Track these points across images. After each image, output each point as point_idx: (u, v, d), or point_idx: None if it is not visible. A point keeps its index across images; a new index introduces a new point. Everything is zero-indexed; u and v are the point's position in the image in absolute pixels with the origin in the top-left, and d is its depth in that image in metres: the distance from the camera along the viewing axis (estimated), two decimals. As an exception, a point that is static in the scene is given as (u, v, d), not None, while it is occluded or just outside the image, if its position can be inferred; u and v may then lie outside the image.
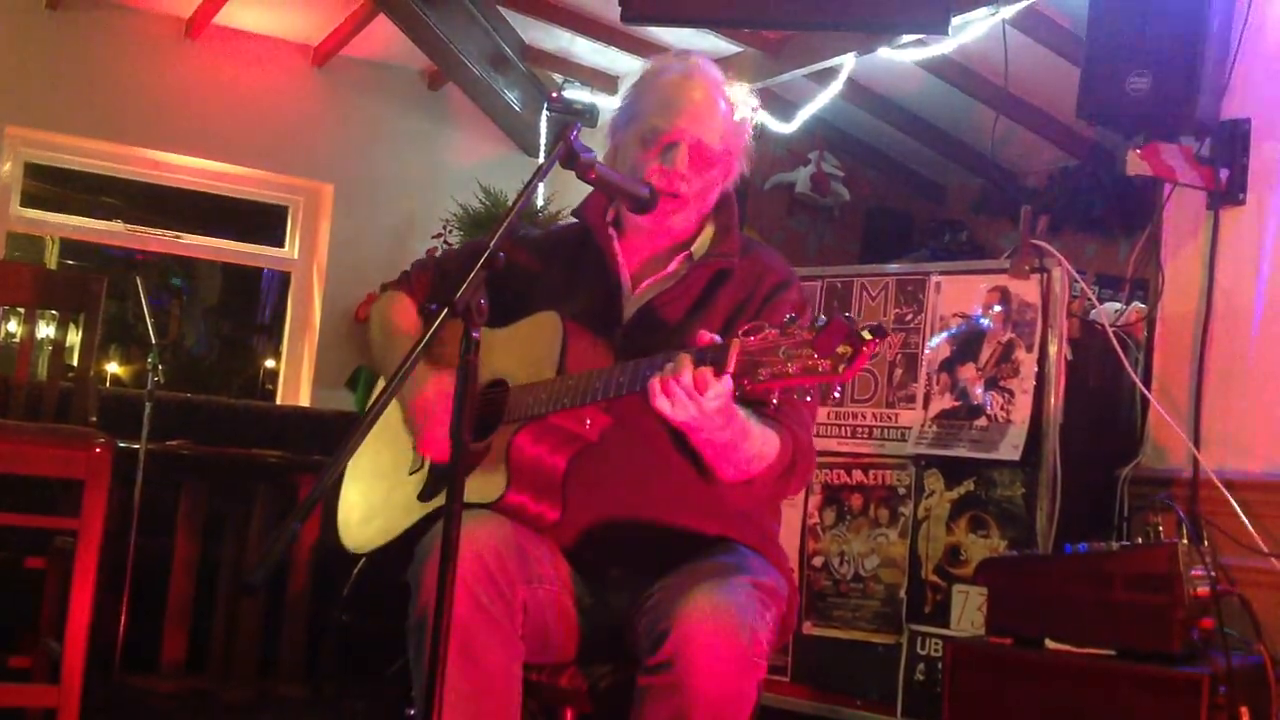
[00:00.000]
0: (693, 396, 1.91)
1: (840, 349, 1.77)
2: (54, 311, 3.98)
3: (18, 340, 4.08)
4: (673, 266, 2.38)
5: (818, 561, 3.79)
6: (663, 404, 1.94)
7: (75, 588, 3.19)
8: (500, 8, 5.90)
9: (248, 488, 4.45)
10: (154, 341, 4.24)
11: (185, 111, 5.98)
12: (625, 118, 2.41)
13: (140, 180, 6.45)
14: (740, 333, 1.88)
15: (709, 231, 2.41)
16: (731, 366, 1.87)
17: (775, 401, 1.92)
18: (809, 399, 1.88)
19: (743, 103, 2.42)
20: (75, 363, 3.89)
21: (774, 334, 1.84)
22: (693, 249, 2.39)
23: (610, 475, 2.23)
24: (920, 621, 3.57)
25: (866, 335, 1.76)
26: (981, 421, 3.54)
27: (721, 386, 1.89)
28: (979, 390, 3.55)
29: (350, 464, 2.56)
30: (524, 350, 2.30)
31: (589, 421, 2.20)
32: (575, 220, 2.52)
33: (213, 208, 6.91)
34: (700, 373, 1.89)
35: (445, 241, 5.96)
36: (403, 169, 6.43)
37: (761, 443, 2.14)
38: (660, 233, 2.38)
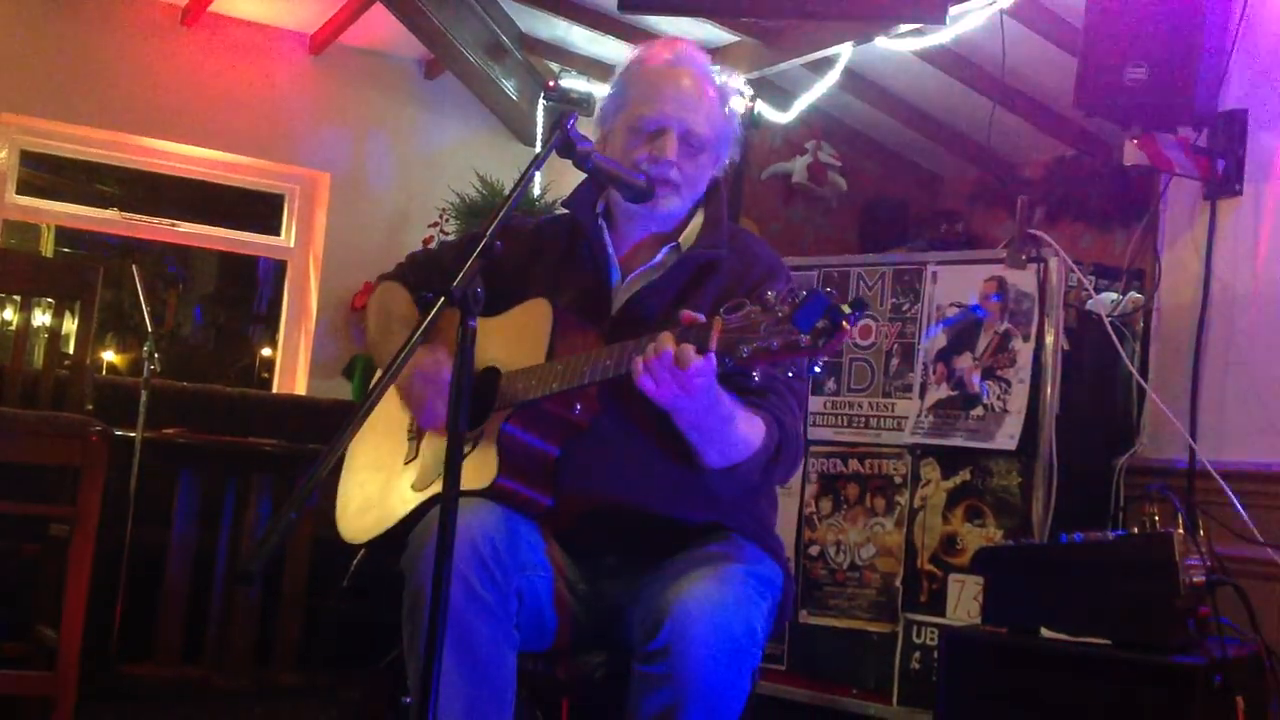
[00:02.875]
0: (676, 375, 1.91)
1: (820, 324, 1.77)
2: (50, 299, 3.97)
3: (13, 328, 4.08)
4: (661, 257, 2.38)
5: (814, 550, 3.80)
6: (647, 383, 1.95)
7: (71, 575, 3.19)
8: (497, -4, 5.90)
9: (244, 476, 4.45)
10: (150, 330, 4.24)
11: (181, 99, 5.96)
12: (614, 106, 2.41)
13: (136, 168, 6.43)
14: (721, 311, 1.88)
15: (697, 222, 2.41)
16: (713, 344, 1.87)
17: (758, 379, 1.91)
18: (791, 375, 1.88)
19: (731, 89, 2.42)
20: (71, 351, 3.88)
21: (755, 311, 1.85)
22: (680, 240, 2.39)
23: (604, 462, 2.23)
24: (916, 610, 3.58)
25: (846, 309, 1.77)
26: (978, 411, 3.54)
27: (704, 364, 1.89)
28: (975, 380, 3.55)
29: (347, 454, 2.56)
30: (515, 337, 2.31)
31: (579, 407, 2.21)
32: (565, 211, 2.52)
33: (209, 196, 6.89)
34: (683, 350, 1.90)
35: (441, 231, 5.95)
36: (399, 158, 6.42)
37: (747, 429, 2.14)
38: (650, 220, 2.38)
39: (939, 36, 4.91)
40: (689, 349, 1.89)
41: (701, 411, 2.03)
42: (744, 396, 2.15)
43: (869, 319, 3.73)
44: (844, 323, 1.77)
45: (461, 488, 1.82)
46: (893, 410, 3.71)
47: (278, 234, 6.55)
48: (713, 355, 1.89)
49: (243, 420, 5.03)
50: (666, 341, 1.92)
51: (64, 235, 9.78)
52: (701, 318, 1.92)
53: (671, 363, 1.91)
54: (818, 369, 1.89)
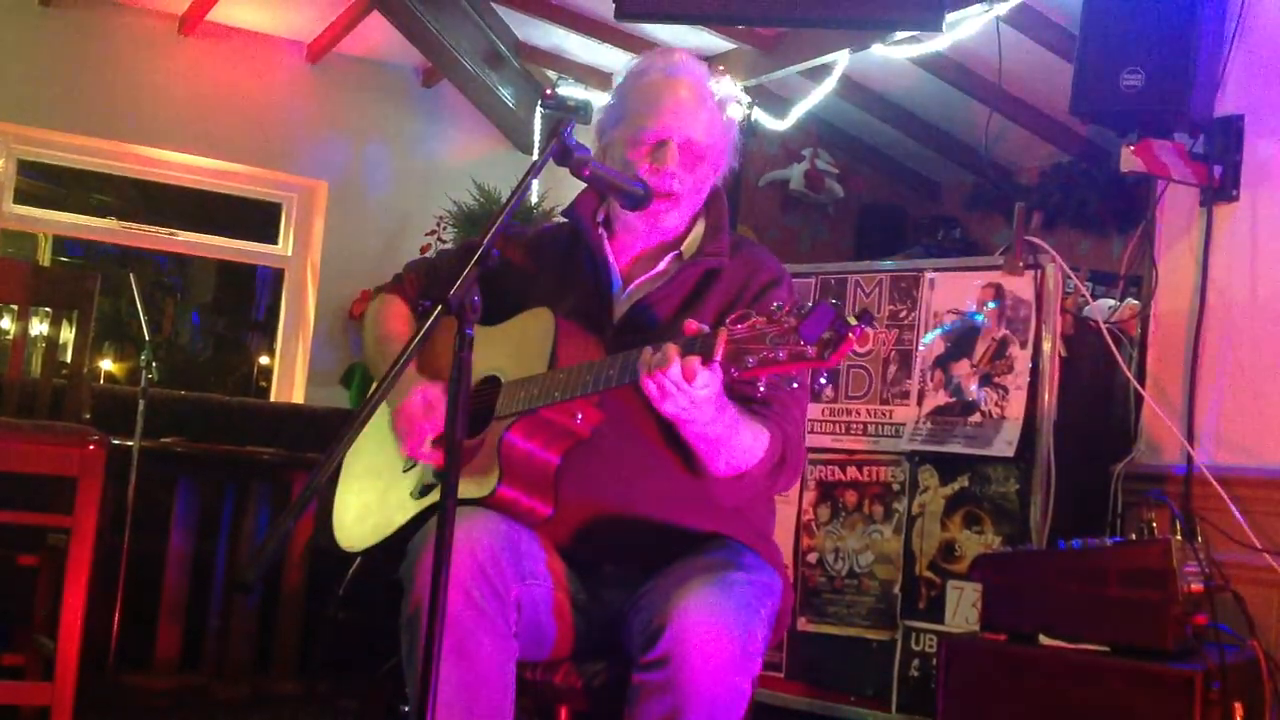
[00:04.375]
0: (681, 387, 1.91)
1: (826, 335, 1.78)
2: (47, 309, 3.97)
3: (11, 337, 4.08)
4: (663, 265, 2.38)
5: (812, 558, 3.80)
6: (652, 394, 1.95)
7: (69, 585, 3.19)
8: (494, 4, 5.89)
9: (242, 485, 4.44)
10: (147, 338, 4.23)
11: (179, 108, 5.97)
12: (612, 118, 2.41)
13: (134, 177, 6.44)
14: (727, 322, 1.88)
15: (699, 230, 2.42)
16: (718, 355, 1.87)
17: (763, 390, 1.92)
18: (795, 386, 1.88)
19: (729, 97, 2.42)
20: (69, 360, 3.88)
21: (760, 322, 1.85)
22: (683, 248, 2.39)
23: (604, 471, 2.23)
24: (915, 617, 3.58)
25: (852, 321, 1.77)
26: (975, 418, 3.54)
27: (709, 375, 1.89)
28: (973, 386, 3.55)
29: (345, 462, 2.56)
30: (516, 346, 2.31)
31: (580, 416, 2.20)
32: (565, 219, 2.52)
33: (206, 204, 6.90)
34: (688, 362, 1.90)
35: (439, 239, 5.95)
36: (397, 166, 6.42)
37: (752, 437, 2.14)
38: (651, 231, 2.38)
39: (936, 44, 4.91)
40: (694, 361, 1.89)
41: (707, 421, 2.04)
42: (747, 404, 2.15)
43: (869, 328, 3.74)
44: (849, 334, 1.77)
45: (462, 496, 1.82)
46: (890, 417, 3.71)
47: (275, 242, 6.55)
48: (718, 366, 1.89)
49: (240, 429, 5.02)
50: (672, 353, 1.92)
51: (62, 244, 9.77)
52: (706, 328, 1.92)
53: (678, 375, 1.91)
54: (824, 380, 1.90)
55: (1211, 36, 3.34)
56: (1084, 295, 3.59)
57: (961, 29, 4.64)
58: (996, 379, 3.52)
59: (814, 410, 3.79)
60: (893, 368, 3.72)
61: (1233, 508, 3.20)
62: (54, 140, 5.92)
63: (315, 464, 1.63)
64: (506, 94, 6.31)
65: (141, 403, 4.10)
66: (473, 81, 6.19)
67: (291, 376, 6.40)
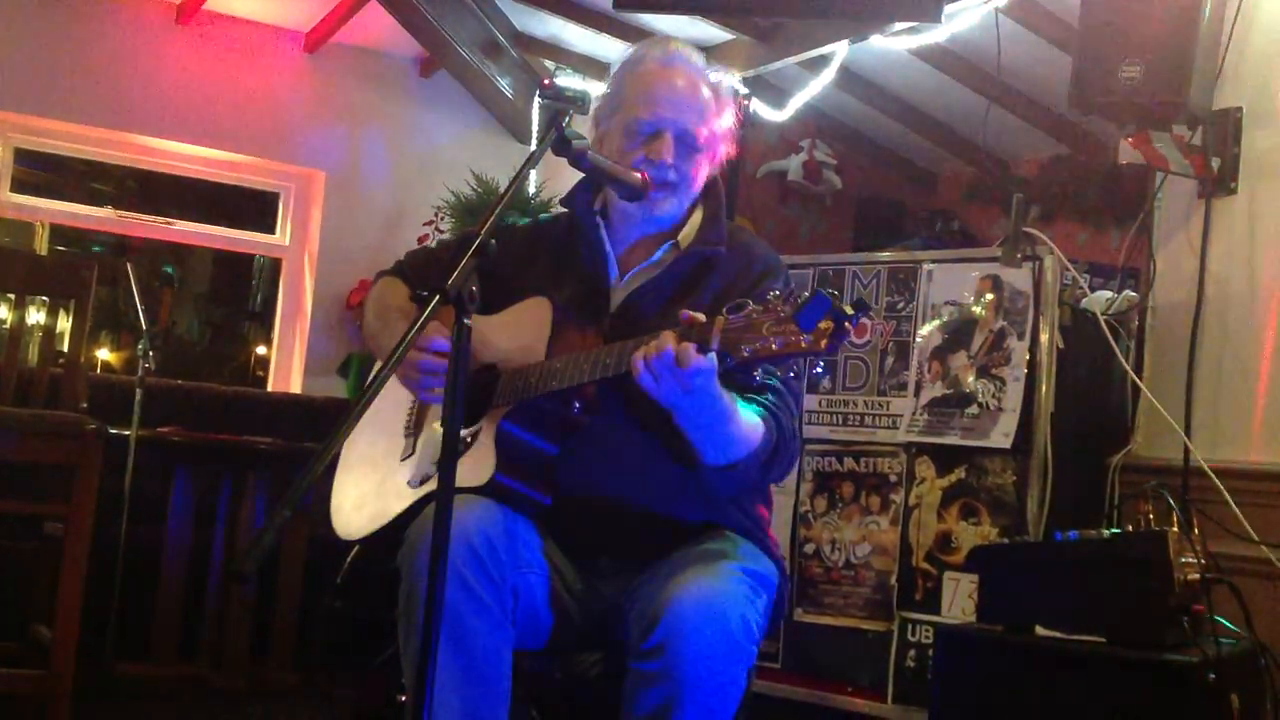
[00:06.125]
0: (676, 373, 1.92)
1: (823, 324, 1.78)
2: (44, 298, 3.97)
3: (8, 326, 4.08)
4: (659, 255, 2.38)
5: (809, 549, 3.80)
6: (647, 381, 1.95)
7: (65, 574, 3.20)
8: (492, -6, 5.89)
9: (239, 475, 4.45)
10: (145, 328, 4.24)
11: (176, 97, 5.96)
12: (609, 108, 2.42)
13: (131, 166, 6.43)
14: (724, 310, 1.89)
15: (696, 219, 2.42)
16: (715, 343, 1.88)
17: (759, 379, 1.92)
18: (791, 376, 1.88)
19: (725, 86, 2.43)
20: (66, 349, 3.89)
21: (757, 310, 1.85)
22: (679, 238, 2.39)
23: (601, 461, 2.23)
24: (911, 609, 3.58)
25: (849, 310, 1.77)
26: (973, 409, 3.54)
27: (705, 362, 1.90)
28: (970, 378, 3.56)
29: (343, 451, 2.56)
30: (514, 335, 2.31)
31: (578, 405, 2.21)
32: (562, 209, 2.53)
33: (204, 194, 6.89)
34: (683, 349, 1.90)
35: (437, 229, 5.95)
36: (394, 156, 6.41)
37: (746, 427, 2.14)
38: (648, 221, 2.38)
39: (934, 35, 4.90)
40: (690, 347, 1.90)
41: (701, 409, 2.04)
42: (742, 395, 2.15)
43: (865, 318, 3.74)
44: (845, 323, 1.77)
45: (459, 485, 1.82)
46: (888, 408, 3.71)
47: (273, 232, 6.54)
48: (714, 354, 1.89)
49: (238, 418, 5.02)
50: (668, 339, 1.92)
51: (59, 233, 9.77)
52: (702, 317, 1.92)
53: (672, 361, 1.91)
54: (819, 369, 1.90)
55: (1211, 28, 3.33)
56: (1082, 287, 3.59)
57: (960, 20, 4.63)
58: (994, 371, 3.52)
59: (811, 401, 3.79)
60: (890, 359, 3.72)
61: (1230, 500, 3.20)
62: (50, 129, 5.91)
63: (313, 453, 1.62)
64: (504, 84, 6.29)
65: (138, 392, 4.10)
66: (471, 71, 6.18)
67: (289, 366, 6.40)
